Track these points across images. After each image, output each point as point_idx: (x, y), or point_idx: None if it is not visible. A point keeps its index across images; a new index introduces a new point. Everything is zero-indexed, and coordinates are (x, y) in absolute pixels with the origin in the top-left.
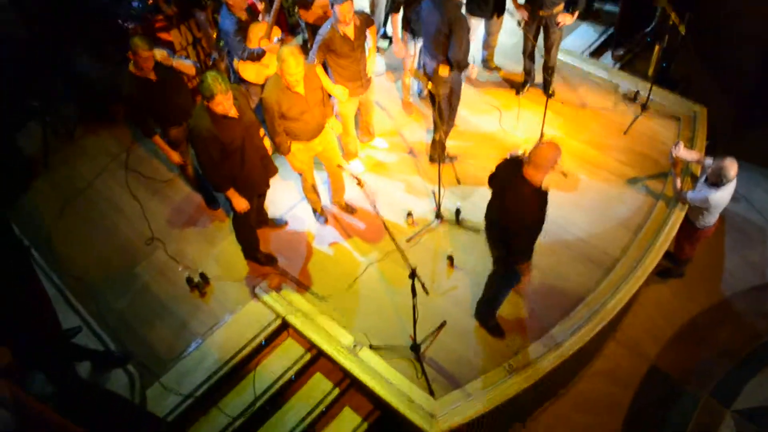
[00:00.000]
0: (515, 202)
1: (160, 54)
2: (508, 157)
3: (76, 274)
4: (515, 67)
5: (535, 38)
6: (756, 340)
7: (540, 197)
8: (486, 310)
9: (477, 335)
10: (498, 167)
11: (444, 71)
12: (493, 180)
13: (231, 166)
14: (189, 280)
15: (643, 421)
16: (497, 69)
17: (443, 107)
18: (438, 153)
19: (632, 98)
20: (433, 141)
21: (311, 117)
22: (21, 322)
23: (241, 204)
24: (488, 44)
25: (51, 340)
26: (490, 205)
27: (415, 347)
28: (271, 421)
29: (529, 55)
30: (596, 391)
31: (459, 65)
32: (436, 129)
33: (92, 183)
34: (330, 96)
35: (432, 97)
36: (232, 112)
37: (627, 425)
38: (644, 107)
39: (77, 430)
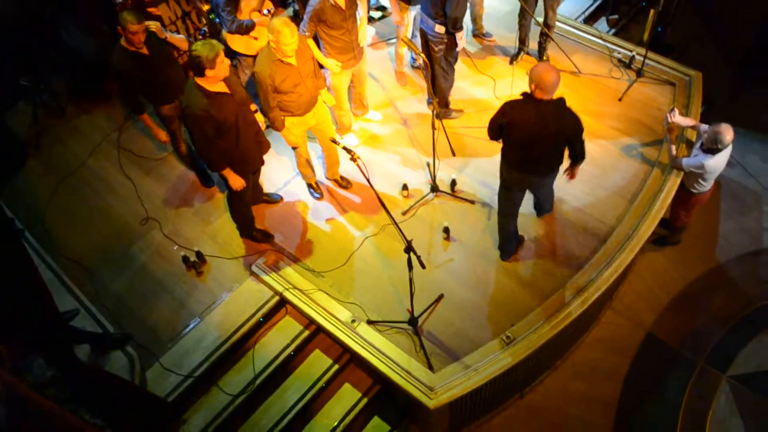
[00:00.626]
0: (561, 121)
1: (154, 25)
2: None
3: (72, 255)
4: (509, 35)
5: (533, 6)
6: (751, 306)
7: (563, 103)
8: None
9: (474, 307)
10: (507, 111)
11: (440, 28)
12: (506, 124)
13: (226, 144)
14: (185, 260)
15: (641, 388)
16: (488, 36)
17: (442, 66)
18: (441, 111)
19: (627, 64)
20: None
21: (304, 89)
22: (15, 307)
23: (237, 182)
24: (475, 14)
25: (47, 324)
26: (523, 144)
27: (412, 321)
28: (271, 398)
29: (525, 23)
30: (593, 360)
31: (455, 23)
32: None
33: (85, 163)
34: (322, 68)
35: (427, 65)
36: (222, 85)
37: (624, 392)
38: (639, 73)
39: (77, 421)
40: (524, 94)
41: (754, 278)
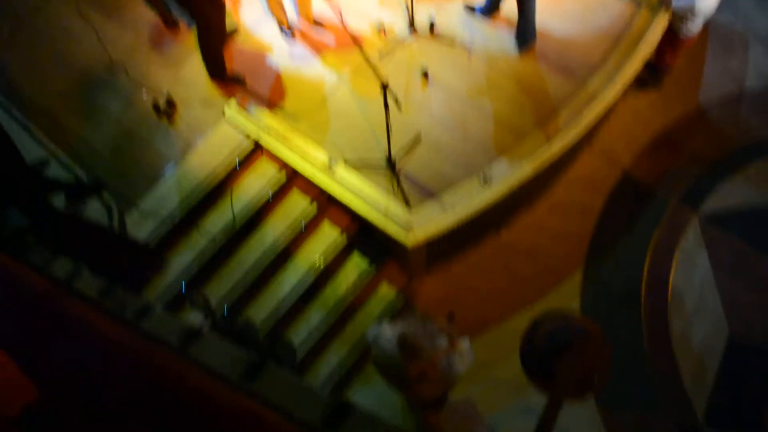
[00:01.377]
0: None
1: None
2: None
3: (37, 105)
4: None
5: None
6: (728, 147)
7: None
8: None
9: (452, 148)
10: None
11: None
12: None
13: None
14: (155, 107)
15: (614, 224)
16: None
17: None
18: None
19: None
20: None
21: None
22: None
23: None
24: None
25: (15, 173)
26: None
27: (390, 162)
28: (252, 239)
29: None
30: (569, 198)
31: None
32: None
33: (40, 8)
34: None
35: None
36: None
37: (598, 228)
38: None
39: (44, 282)
40: None
41: (734, 120)
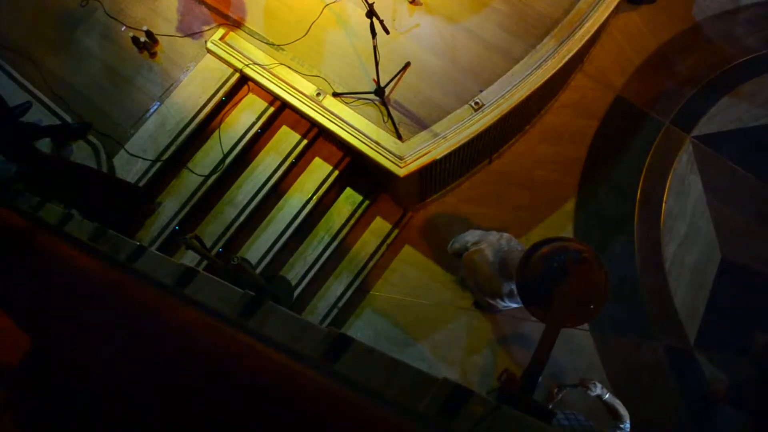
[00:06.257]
0: None
1: None
2: None
3: (11, 46)
4: None
5: None
6: (722, 66)
7: None
8: None
9: (442, 74)
10: None
11: None
12: None
13: None
14: (135, 41)
15: (607, 149)
16: None
17: None
18: None
19: None
20: None
21: None
22: None
23: None
24: None
25: None
26: None
27: (379, 91)
28: (242, 176)
29: None
30: (562, 123)
31: None
32: None
33: None
34: None
35: None
36: None
37: (590, 153)
38: None
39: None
40: None
41: (729, 38)
